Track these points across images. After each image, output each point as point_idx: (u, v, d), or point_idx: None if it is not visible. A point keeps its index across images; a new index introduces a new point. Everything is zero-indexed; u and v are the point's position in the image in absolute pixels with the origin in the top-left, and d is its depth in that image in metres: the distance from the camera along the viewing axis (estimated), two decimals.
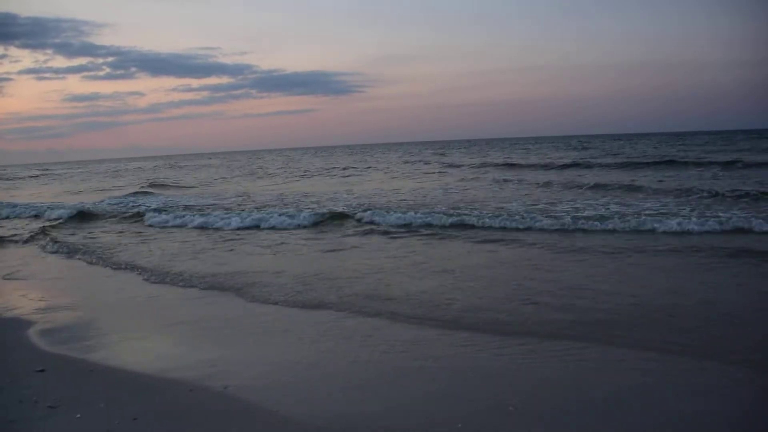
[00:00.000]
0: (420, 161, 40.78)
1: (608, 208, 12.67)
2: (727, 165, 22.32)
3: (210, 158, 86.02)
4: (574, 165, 27.42)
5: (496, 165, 31.04)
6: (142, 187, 28.41)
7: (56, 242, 12.05)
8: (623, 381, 4.14)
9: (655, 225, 10.30)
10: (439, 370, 4.48)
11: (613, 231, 10.32)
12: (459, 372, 4.43)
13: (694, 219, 10.47)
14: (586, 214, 11.99)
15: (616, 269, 7.54)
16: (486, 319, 5.67)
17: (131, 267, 9.17)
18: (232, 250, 10.56)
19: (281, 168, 42.88)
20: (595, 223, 10.82)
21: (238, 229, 13.06)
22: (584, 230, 10.55)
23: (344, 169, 36.81)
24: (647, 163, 25.25)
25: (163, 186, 29.38)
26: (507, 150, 52.38)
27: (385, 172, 31.68)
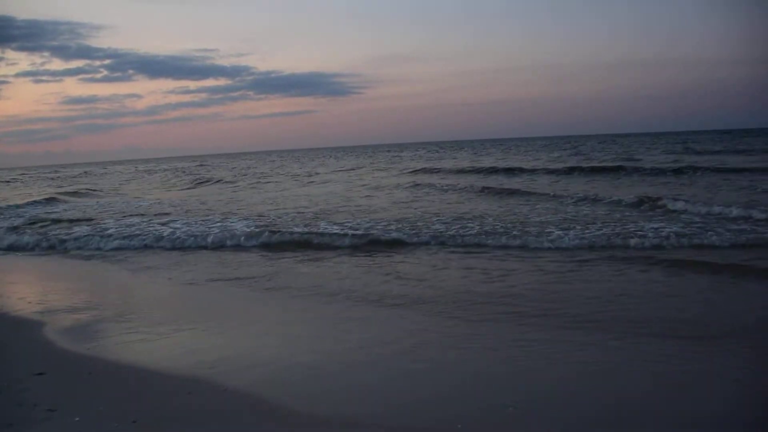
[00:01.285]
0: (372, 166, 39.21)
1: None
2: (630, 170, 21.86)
3: (192, 161, 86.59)
4: (502, 170, 25.87)
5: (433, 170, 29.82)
6: (57, 194, 27.12)
7: None
8: (625, 382, 4.15)
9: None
10: (439, 371, 4.48)
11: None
12: (459, 372, 4.44)
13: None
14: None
15: (616, 274, 7.55)
16: (486, 320, 5.69)
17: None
18: None
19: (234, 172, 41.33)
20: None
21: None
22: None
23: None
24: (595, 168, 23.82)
25: (75, 194, 27.60)
26: (476, 152, 52.36)
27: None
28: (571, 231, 9.87)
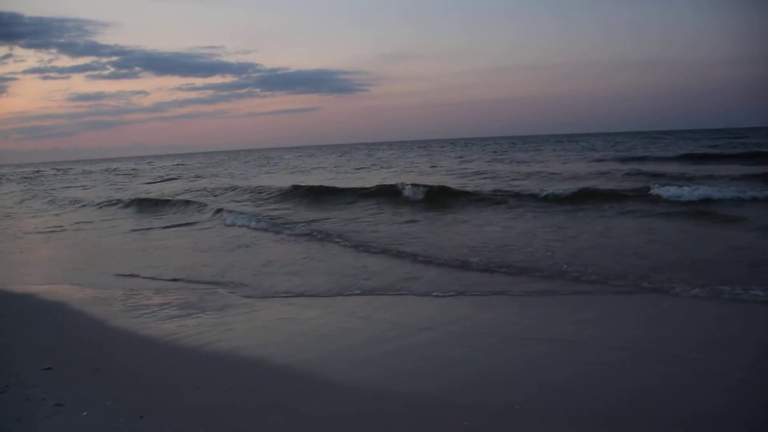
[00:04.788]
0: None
1: None
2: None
3: (150, 161, 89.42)
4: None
5: None
6: None
7: None
8: (630, 382, 4.15)
9: None
10: (443, 369, 4.50)
11: None
12: (463, 371, 4.45)
13: None
14: None
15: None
16: (488, 319, 5.70)
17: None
18: None
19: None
20: None
21: None
22: None
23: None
24: None
25: None
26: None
27: None
28: None
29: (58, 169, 67.17)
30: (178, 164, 65.12)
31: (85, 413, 3.87)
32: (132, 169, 57.39)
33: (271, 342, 5.31)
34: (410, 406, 3.87)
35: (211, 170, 44.59)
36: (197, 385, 4.30)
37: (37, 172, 61.42)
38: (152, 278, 8.24)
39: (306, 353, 4.93)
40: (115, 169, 60.30)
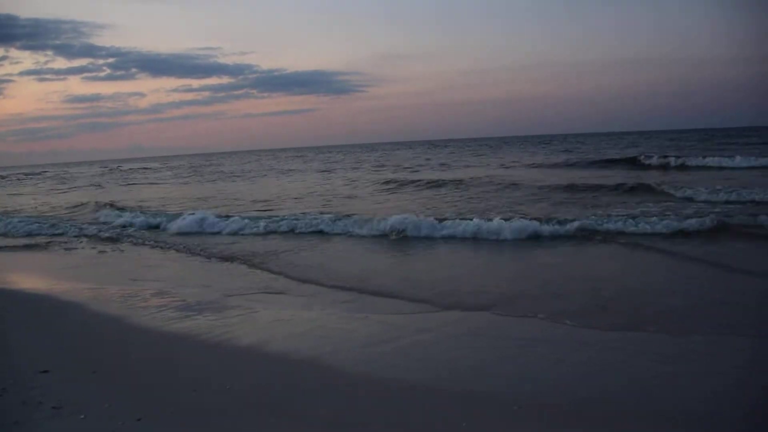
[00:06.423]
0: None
1: None
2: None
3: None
4: None
5: None
6: None
7: None
8: (630, 382, 4.15)
9: None
10: (442, 370, 4.49)
11: None
12: (462, 372, 4.44)
13: None
14: None
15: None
16: (488, 319, 5.70)
17: None
18: None
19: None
20: None
21: None
22: None
23: None
24: None
25: None
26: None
27: None
28: None
29: (26, 174, 66.68)
30: (141, 167, 64.78)
31: (82, 416, 3.85)
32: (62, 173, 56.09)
33: (269, 343, 5.30)
34: (410, 406, 3.87)
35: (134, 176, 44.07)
36: (195, 387, 4.28)
37: None
38: None
39: (305, 354, 4.92)
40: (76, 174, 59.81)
